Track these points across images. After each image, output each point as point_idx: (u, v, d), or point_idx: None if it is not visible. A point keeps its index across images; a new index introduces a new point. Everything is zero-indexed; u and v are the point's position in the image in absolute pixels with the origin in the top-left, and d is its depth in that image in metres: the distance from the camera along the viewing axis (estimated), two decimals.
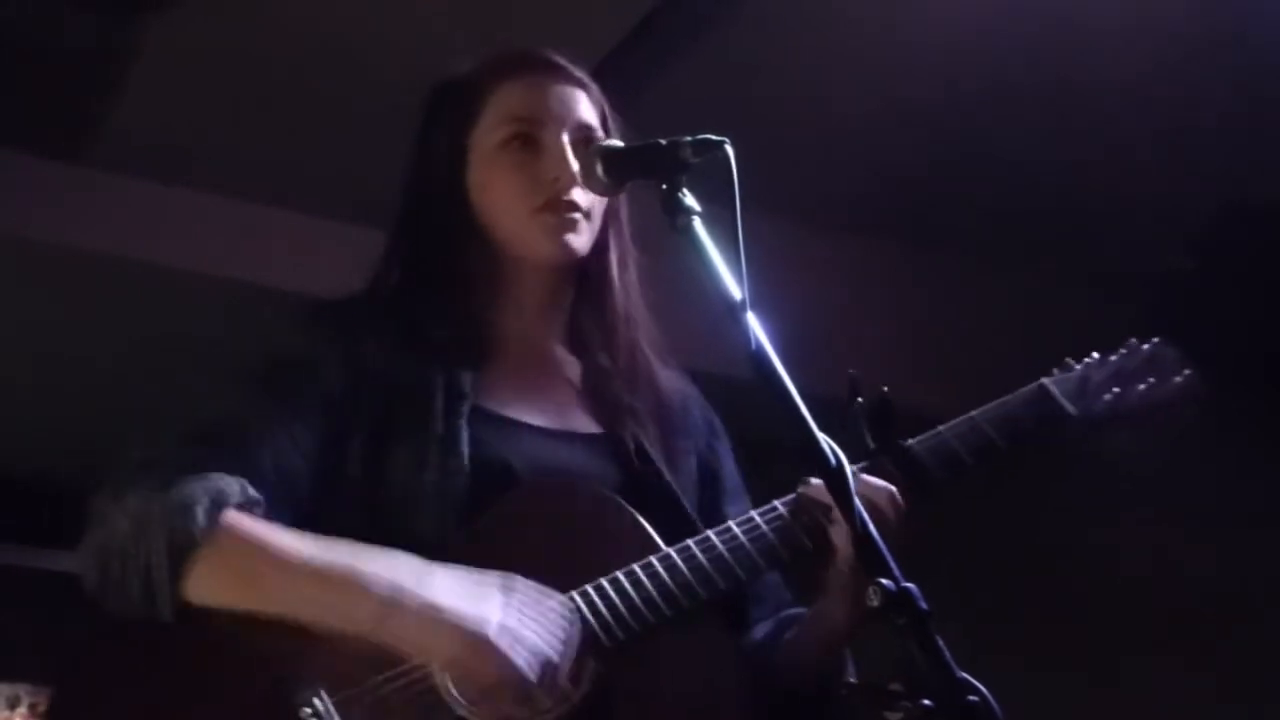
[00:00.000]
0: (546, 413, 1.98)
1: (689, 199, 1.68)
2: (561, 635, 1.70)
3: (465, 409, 1.89)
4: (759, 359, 1.57)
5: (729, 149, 1.66)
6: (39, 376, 5.01)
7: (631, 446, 1.97)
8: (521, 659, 1.67)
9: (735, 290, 1.60)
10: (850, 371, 1.76)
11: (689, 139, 1.70)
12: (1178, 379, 2.01)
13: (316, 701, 1.68)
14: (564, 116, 1.99)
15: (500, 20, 3.59)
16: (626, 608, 1.74)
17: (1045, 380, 1.99)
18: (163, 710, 1.72)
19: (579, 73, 2.05)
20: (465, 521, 1.81)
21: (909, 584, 1.42)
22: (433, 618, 1.67)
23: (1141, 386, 2.00)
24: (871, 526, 1.47)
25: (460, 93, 2.04)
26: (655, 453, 1.98)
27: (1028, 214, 4.66)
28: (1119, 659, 4.81)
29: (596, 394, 2.02)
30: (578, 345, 2.06)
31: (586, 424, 2.00)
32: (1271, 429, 4.57)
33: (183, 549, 1.69)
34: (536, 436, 1.94)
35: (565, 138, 1.98)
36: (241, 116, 4.14)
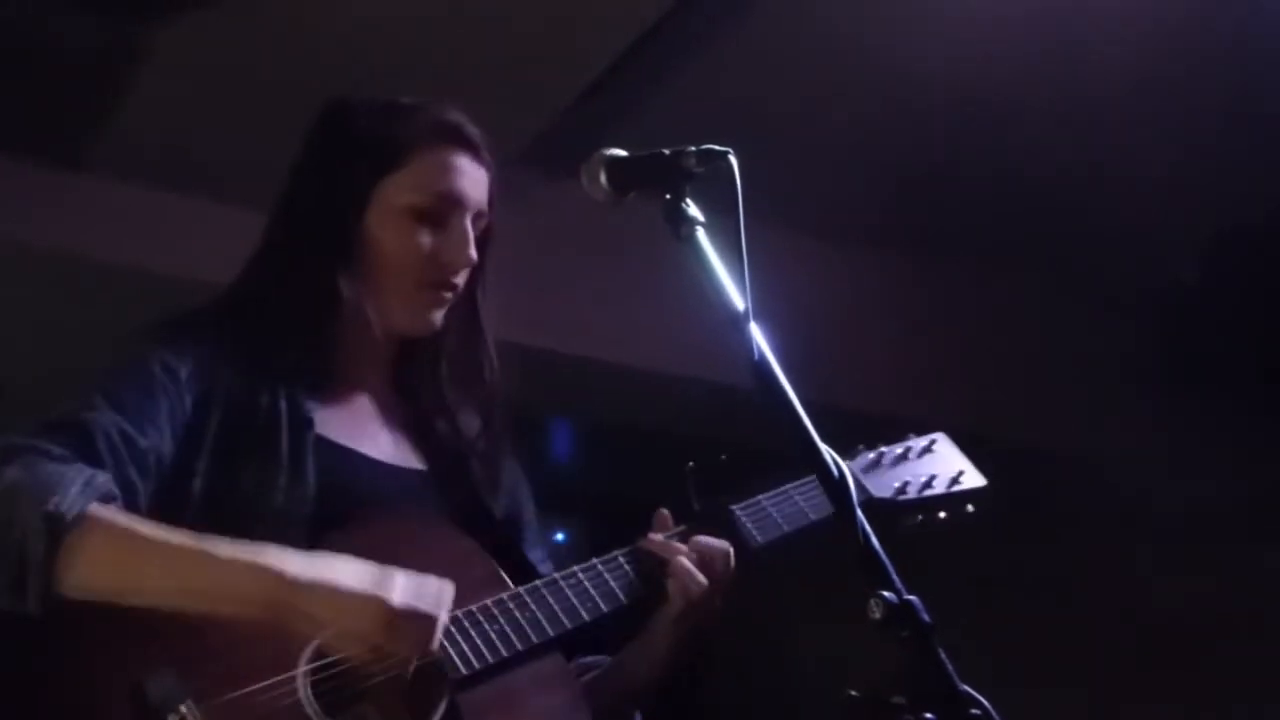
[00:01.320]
0: (381, 447, 2.03)
1: (692, 209, 1.69)
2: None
3: (310, 436, 1.92)
4: (761, 369, 1.57)
5: (732, 159, 1.67)
6: (37, 382, 5.00)
7: (454, 485, 2.04)
8: (427, 606, 1.72)
9: (738, 300, 1.60)
10: (689, 467, 1.93)
11: (692, 149, 1.71)
12: (952, 473, 2.17)
13: (183, 708, 1.68)
14: (472, 200, 2.03)
15: (505, 32, 3.59)
16: (482, 640, 1.81)
17: (847, 464, 2.10)
18: (20, 716, 1.71)
19: (489, 155, 2.07)
20: (310, 546, 1.81)
21: (911, 597, 1.42)
22: (331, 597, 1.70)
23: (924, 476, 2.14)
24: (874, 538, 1.47)
25: (383, 136, 2.04)
26: (479, 493, 2.05)
27: (1031, 224, 4.65)
28: (1119, 670, 4.81)
29: (418, 433, 2.08)
30: (406, 386, 2.10)
31: (412, 460, 2.05)
32: (1272, 442, 4.57)
33: (60, 530, 1.68)
34: (375, 469, 1.99)
35: (468, 221, 2.02)
36: (242, 123, 4.14)
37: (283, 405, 1.93)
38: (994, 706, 1.40)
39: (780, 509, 2.04)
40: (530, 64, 3.70)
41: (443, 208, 2.01)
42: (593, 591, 1.91)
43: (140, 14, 3.78)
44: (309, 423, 1.93)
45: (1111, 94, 4.10)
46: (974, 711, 1.37)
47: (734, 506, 2.02)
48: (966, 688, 1.39)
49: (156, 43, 3.86)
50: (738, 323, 1.59)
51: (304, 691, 1.73)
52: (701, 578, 1.92)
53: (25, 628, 1.70)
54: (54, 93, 3.99)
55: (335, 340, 2.02)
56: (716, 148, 1.69)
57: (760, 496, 2.04)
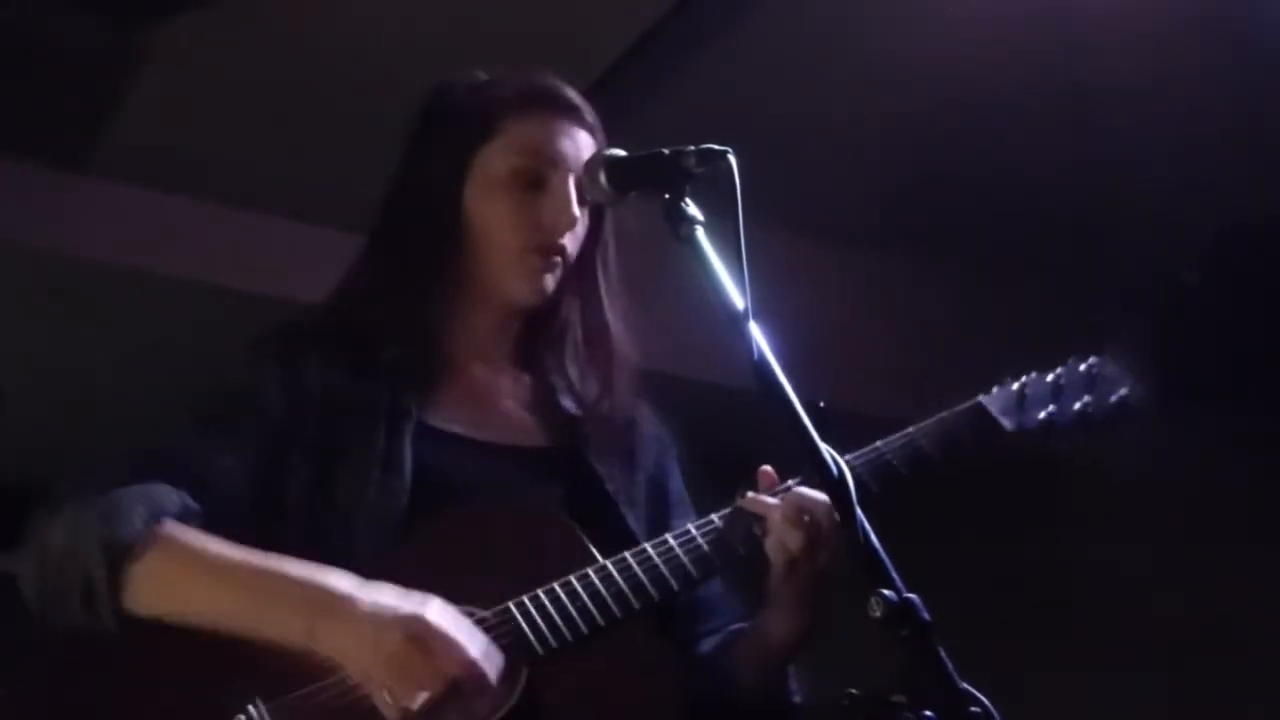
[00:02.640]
0: (492, 426, 1.99)
1: (691, 209, 1.68)
2: (485, 641, 1.71)
3: (409, 426, 1.90)
4: (761, 369, 1.57)
5: (731, 159, 1.67)
6: (38, 385, 5.00)
7: (578, 462, 1.99)
8: (462, 635, 1.67)
9: (738, 300, 1.60)
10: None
11: (692, 149, 1.70)
12: (1114, 398, 2.02)
13: (251, 709, 1.69)
14: (573, 160, 1.99)
15: (505, 32, 3.59)
16: (561, 617, 1.76)
17: (982, 398, 2.00)
18: (96, 716, 1.73)
19: (590, 115, 2.05)
20: (404, 538, 1.81)
21: (911, 595, 1.42)
22: (366, 617, 1.68)
23: (1077, 404, 2.00)
24: (874, 538, 1.47)
25: (474, 110, 2.02)
26: (602, 468, 2.00)
27: (1031, 226, 4.65)
28: (1120, 669, 4.81)
29: (545, 409, 2.04)
30: (529, 361, 2.07)
31: (533, 438, 2.01)
32: (1273, 443, 4.57)
33: (118, 556, 1.71)
34: (480, 452, 1.95)
35: (571, 181, 1.98)
36: (242, 125, 4.14)
37: (383, 399, 1.91)
38: (994, 704, 1.40)
39: (900, 455, 1.91)
40: (529, 67, 3.71)
41: (540, 169, 1.98)
42: (684, 558, 1.82)
43: (140, 14, 3.78)
44: (407, 412, 1.91)
45: (1112, 94, 4.09)
46: (974, 710, 1.37)
47: (848, 456, 1.84)
48: (966, 686, 1.39)
49: (156, 43, 3.86)
50: (737, 323, 1.59)
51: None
52: (798, 534, 1.79)
53: (89, 637, 1.74)
54: (54, 93, 3.99)
55: (446, 325, 2.00)
56: (716, 147, 1.69)
57: (879, 443, 1.92)
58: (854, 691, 1.46)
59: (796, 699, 1.96)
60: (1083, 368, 2.05)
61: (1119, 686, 4.76)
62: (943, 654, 1.40)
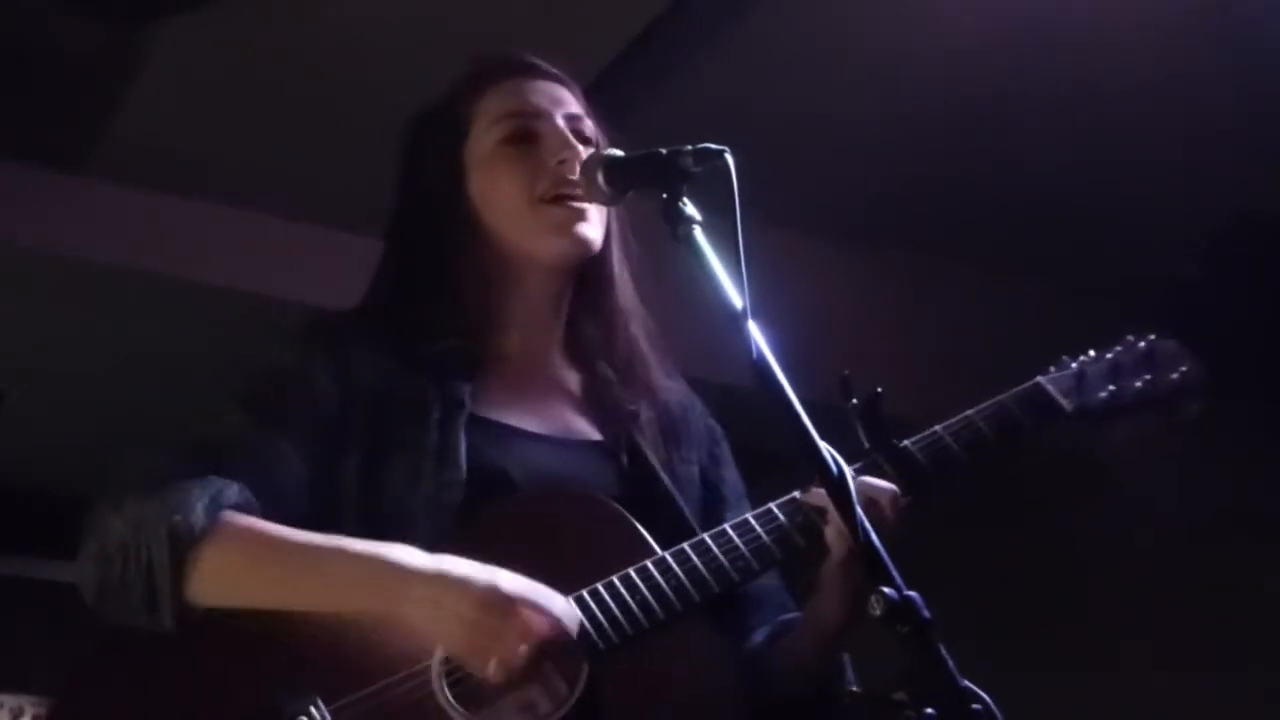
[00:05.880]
0: (545, 419, 1.98)
1: (689, 208, 1.68)
2: (563, 600, 1.71)
3: (463, 418, 1.89)
4: (760, 368, 1.57)
5: (729, 158, 1.67)
6: (37, 386, 5.01)
7: (631, 454, 1.98)
8: (540, 597, 1.68)
9: (736, 299, 1.60)
10: (843, 373, 1.75)
11: (689, 148, 1.70)
12: (1174, 375, 2.00)
13: (313, 710, 1.68)
14: (554, 107, 2.02)
15: (502, 32, 3.59)
16: (622, 611, 1.74)
17: (1041, 378, 1.99)
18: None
19: (555, 69, 2.07)
20: (460, 532, 1.80)
21: (912, 592, 1.42)
22: (443, 583, 1.68)
23: (1138, 383, 1.98)
24: (874, 535, 1.47)
25: (445, 113, 2.05)
26: (655, 460, 1.99)
27: (1033, 222, 4.65)
28: (1122, 666, 4.81)
29: (596, 401, 2.03)
30: (577, 353, 2.06)
31: (586, 431, 2.01)
32: (1276, 440, 4.57)
33: (183, 544, 1.70)
34: (534, 443, 1.94)
35: (560, 121, 2.00)
36: (242, 127, 4.14)
37: (433, 391, 1.90)
38: (995, 702, 1.40)
39: (958, 437, 1.90)
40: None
41: (523, 124, 2.00)
42: (744, 549, 1.80)
43: (140, 14, 3.78)
44: (461, 404, 1.90)
45: (1112, 90, 4.10)
46: (975, 707, 1.37)
47: (906, 441, 1.89)
48: (968, 683, 1.39)
49: (156, 43, 3.86)
50: (736, 322, 1.59)
51: (438, 683, 1.70)
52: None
53: (153, 635, 1.72)
54: (53, 93, 3.99)
55: (490, 318, 2.00)
56: (713, 146, 1.69)
57: (937, 427, 1.91)
58: (855, 689, 1.46)
59: (853, 687, 1.93)
60: (1141, 346, 2.02)
61: (1122, 682, 4.76)
62: (943, 651, 1.40)
